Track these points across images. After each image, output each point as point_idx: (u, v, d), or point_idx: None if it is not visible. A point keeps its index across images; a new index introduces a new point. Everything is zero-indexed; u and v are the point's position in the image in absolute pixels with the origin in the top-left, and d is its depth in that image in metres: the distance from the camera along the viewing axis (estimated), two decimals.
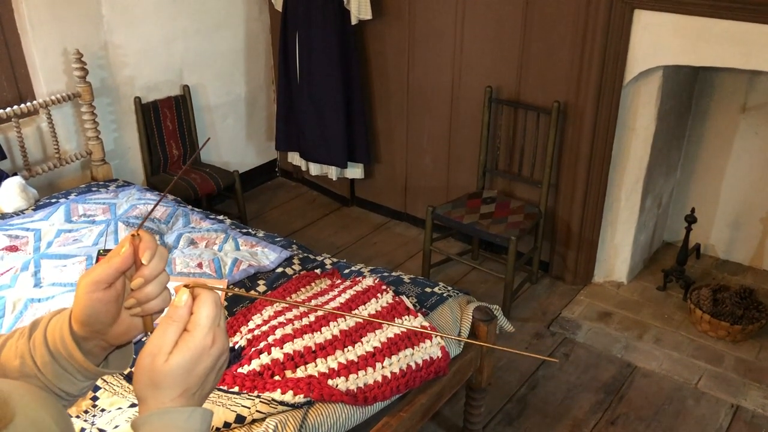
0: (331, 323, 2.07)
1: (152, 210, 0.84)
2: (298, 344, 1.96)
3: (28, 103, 3.04)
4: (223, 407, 1.74)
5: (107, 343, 0.77)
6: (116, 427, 1.76)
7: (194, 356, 0.71)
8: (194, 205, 3.27)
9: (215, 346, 0.73)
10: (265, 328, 2.07)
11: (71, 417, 1.80)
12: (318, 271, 2.53)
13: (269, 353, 1.93)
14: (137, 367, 0.72)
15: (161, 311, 0.76)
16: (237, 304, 2.30)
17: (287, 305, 2.24)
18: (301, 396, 1.75)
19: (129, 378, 1.95)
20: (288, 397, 1.75)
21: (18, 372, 0.75)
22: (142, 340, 1.82)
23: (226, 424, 1.71)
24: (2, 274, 2.42)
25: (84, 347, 0.76)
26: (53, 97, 3.11)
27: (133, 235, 0.73)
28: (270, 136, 4.36)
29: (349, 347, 1.98)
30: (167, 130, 3.67)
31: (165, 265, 0.75)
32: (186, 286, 0.73)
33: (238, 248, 2.66)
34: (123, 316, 0.76)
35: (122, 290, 0.75)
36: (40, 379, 0.75)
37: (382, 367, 1.94)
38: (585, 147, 3.06)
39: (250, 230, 2.85)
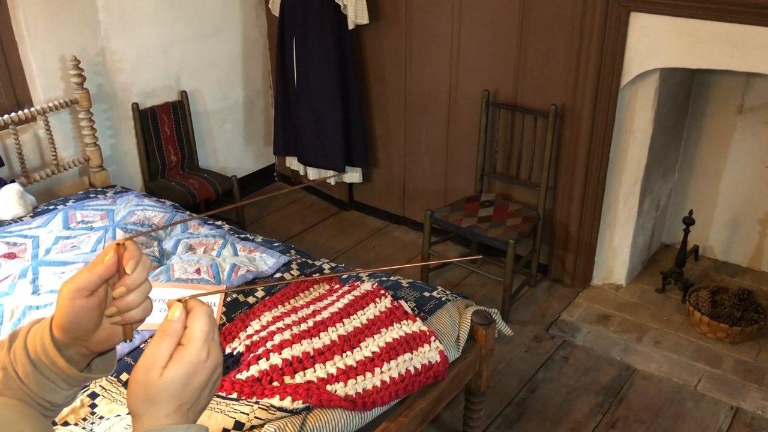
0: (330, 328, 2.07)
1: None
2: (297, 350, 1.96)
3: (26, 110, 3.05)
4: (221, 413, 1.73)
5: (88, 350, 0.76)
6: None
7: (189, 370, 0.70)
8: (192, 211, 3.27)
9: (210, 360, 0.72)
10: (263, 333, 2.07)
11: (69, 425, 1.80)
12: (316, 275, 2.52)
13: (268, 359, 1.93)
14: (131, 382, 0.71)
15: (142, 320, 0.76)
16: (235, 310, 2.30)
17: (286, 310, 2.24)
18: (300, 402, 1.75)
19: (127, 385, 1.95)
20: (286, 403, 1.75)
21: (1, 384, 0.74)
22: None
23: (225, 431, 1.70)
24: (0, 281, 2.42)
25: (65, 354, 0.75)
26: (50, 104, 3.12)
27: (118, 244, 0.72)
28: (268, 141, 4.36)
29: (348, 352, 1.98)
30: (165, 136, 3.67)
31: (147, 275, 0.75)
32: (179, 300, 0.73)
33: (236, 253, 2.66)
34: (105, 323, 0.75)
35: (105, 298, 0.74)
36: (23, 391, 0.74)
37: (381, 372, 1.93)
38: (582, 150, 3.06)
39: (248, 235, 2.85)
